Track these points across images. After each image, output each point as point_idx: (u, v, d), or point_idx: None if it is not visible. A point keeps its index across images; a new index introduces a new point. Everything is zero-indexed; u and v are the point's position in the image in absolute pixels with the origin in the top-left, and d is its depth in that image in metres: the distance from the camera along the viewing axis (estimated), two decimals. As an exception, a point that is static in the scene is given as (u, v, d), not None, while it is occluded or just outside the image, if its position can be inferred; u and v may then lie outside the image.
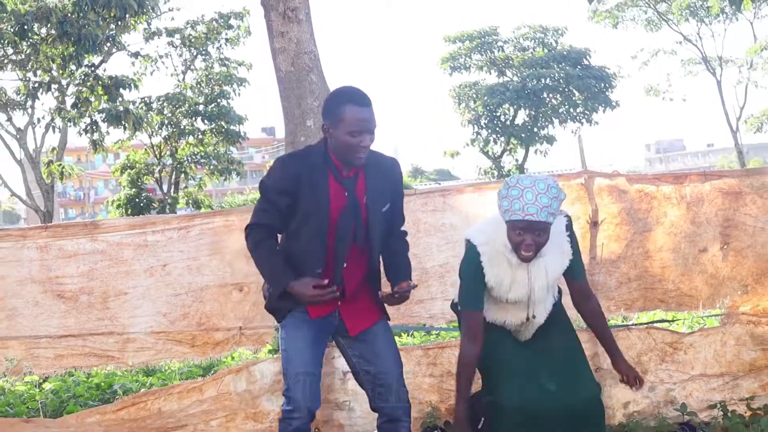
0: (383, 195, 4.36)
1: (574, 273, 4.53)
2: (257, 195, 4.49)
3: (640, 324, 6.39)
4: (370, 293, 4.48)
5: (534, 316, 4.49)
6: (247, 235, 4.39)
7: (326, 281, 4.20)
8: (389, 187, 4.41)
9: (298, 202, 4.25)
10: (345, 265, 4.35)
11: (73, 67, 22.25)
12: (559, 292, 4.70)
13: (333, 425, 5.63)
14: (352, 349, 4.51)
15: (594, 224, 6.04)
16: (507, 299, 4.47)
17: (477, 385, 5.72)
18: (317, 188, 4.23)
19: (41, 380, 7.95)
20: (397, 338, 8.82)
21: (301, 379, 4.31)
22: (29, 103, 23.99)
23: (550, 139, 35.42)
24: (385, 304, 4.49)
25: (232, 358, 7.99)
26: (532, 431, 4.43)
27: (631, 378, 4.59)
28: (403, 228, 4.67)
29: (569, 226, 4.51)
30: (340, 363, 5.70)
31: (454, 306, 4.79)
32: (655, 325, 6.20)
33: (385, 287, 4.53)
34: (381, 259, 4.57)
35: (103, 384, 7.88)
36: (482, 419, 5.42)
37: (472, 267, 4.49)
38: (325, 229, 4.26)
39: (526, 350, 4.53)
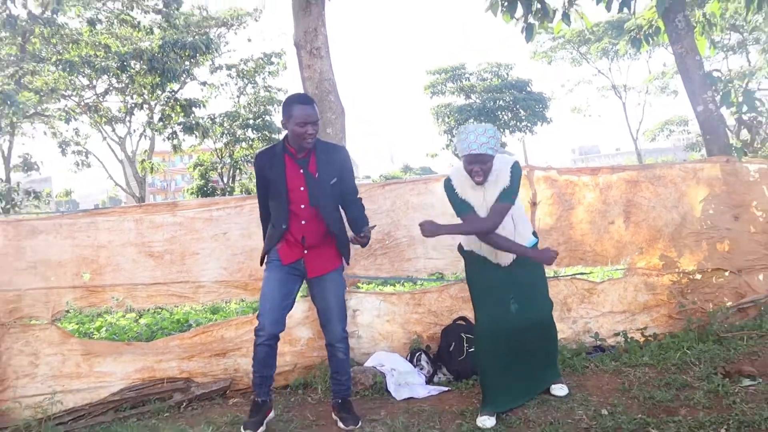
0: (330, 171, 4.40)
1: (500, 197, 4.45)
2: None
3: (567, 275, 6.41)
4: (331, 247, 4.49)
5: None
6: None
7: None
8: (336, 165, 4.44)
9: (270, 181, 4.37)
10: (303, 222, 4.39)
11: (159, 92, 22.20)
12: (536, 236, 4.71)
13: (346, 347, 5.65)
14: (311, 288, 4.57)
15: (533, 204, 6.04)
16: None
17: (450, 319, 5.75)
18: (275, 168, 4.34)
19: (138, 316, 7.99)
20: (390, 287, 8.90)
21: (267, 311, 4.35)
22: (127, 118, 23.93)
23: (503, 145, 35.38)
24: (358, 245, 4.50)
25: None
26: (500, 341, 4.49)
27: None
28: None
29: (515, 170, 4.47)
30: (351, 304, 5.71)
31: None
32: (577, 276, 6.22)
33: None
34: (346, 222, 4.61)
35: (181, 319, 7.91)
36: (453, 344, 5.44)
37: (451, 191, 4.57)
38: (283, 196, 4.33)
39: (501, 281, 4.52)
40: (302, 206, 4.36)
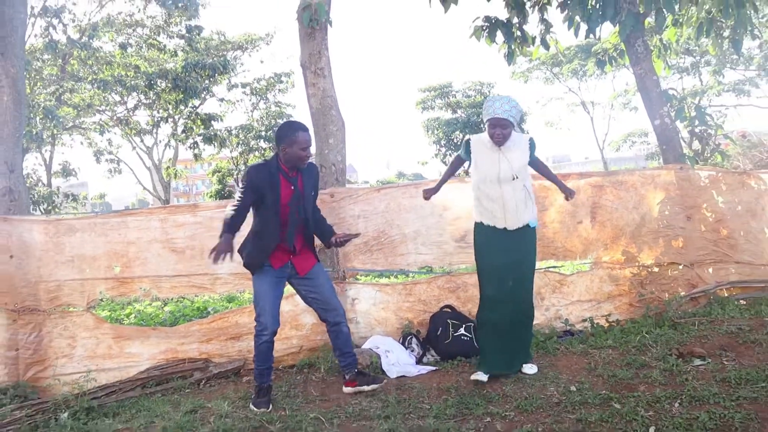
0: (311, 186, 4.49)
1: (535, 166, 4.78)
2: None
3: (540, 269, 6.40)
4: (309, 249, 4.56)
5: (514, 178, 4.56)
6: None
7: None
8: (313, 179, 4.52)
9: (264, 196, 4.32)
10: (296, 232, 4.45)
11: (182, 108, 22.25)
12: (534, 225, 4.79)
13: (346, 332, 5.64)
14: (302, 284, 4.57)
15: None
16: (485, 176, 4.61)
17: (437, 307, 5.75)
18: (273, 186, 4.32)
19: (163, 305, 7.97)
20: (385, 279, 8.89)
21: (267, 311, 4.36)
22: (154, 130, 24.03)
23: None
24: (336, 246, 4.69)
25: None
26: (498, 312, 4.62)
27: (569, 194, 4.81)
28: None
29: (531, 142, 4.68)
30: (350, 293, 5.71)
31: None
32: (549, 269, 6.22)
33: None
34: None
35: (201, 307, 7.91)
36: (440, 329, 5.44)
37: (463, 148, 4.74)
38: (278, 210, 4.34)
39: (505, 256, 4.60)
40: (294, 218, 4.40)
